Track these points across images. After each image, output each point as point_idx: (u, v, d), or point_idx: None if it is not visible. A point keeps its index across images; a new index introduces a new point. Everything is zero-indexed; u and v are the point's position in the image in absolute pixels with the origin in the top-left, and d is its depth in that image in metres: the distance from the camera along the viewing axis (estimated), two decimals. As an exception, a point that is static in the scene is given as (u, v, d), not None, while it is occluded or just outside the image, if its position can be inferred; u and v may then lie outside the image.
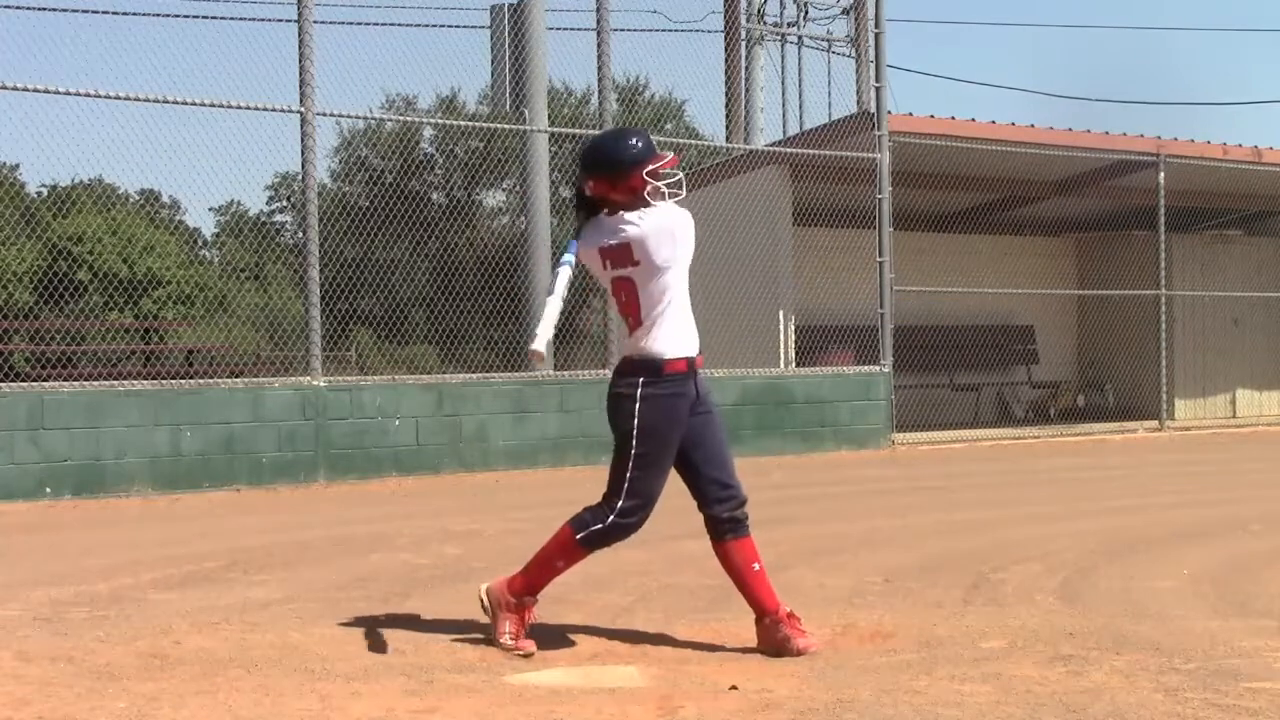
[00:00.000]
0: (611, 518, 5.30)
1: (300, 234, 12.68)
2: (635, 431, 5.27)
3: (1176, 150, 18.27)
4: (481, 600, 5.49)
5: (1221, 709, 4.44)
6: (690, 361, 5.34)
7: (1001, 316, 19.81)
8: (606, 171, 5.40)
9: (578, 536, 5.34)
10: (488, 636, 5.41)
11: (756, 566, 5.44)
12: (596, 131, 13.66)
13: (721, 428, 5.49)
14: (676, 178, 5.45)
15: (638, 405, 5.26)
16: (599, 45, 13.85)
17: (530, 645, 5.32)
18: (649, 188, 5.37)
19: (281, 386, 12.18)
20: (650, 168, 5.39)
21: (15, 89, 11.09)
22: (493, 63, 15.24)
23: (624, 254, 5.31)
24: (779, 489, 11.84)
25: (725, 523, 5.41)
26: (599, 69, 13.90)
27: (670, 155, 5.50)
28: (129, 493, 11.11)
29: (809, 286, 16.76)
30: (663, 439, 5.29)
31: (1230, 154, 18.73)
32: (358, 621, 5.88)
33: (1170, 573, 7.11)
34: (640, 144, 5.44)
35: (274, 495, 11.44)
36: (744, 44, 20.88)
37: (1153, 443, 17.45)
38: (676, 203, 5.44)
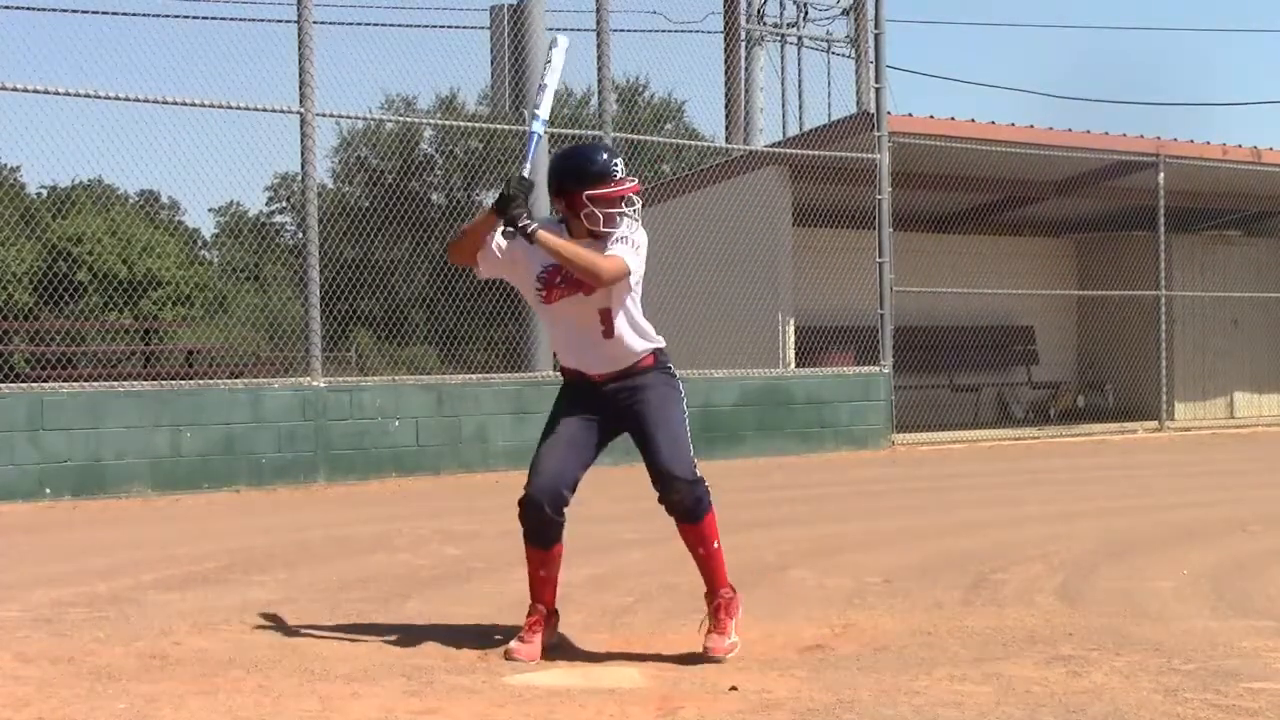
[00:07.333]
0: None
1: (300, 234, 12.69)
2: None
3: (1176, 151, 18.27)
4: None
5: (1221, 709, 4.44)
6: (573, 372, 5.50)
7: (1001, 317, 19.80)
8: (555, 181, 5.04)
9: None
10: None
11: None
12: (598, 132, 13.70)
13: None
14: (618, 212, 4.96)
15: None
16: (599, 45, 13.84)
17: (517, 653, 5.16)
18: (586, 211, 4.97)
19: (281, 387, 12.18)
20: (592, 192, 4.95)
21: (15, 89, 11.09)
22: (492, 63, 15.23)
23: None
24: (779, 489, 11.85)
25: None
26: (599, 69, 13.90)
27: (629, 184, 5.01)
28: (129, 493, 11.10)
29: (809, 287, 16.75)
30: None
31: (1230, 154, 18.73)
32: (358, 622, 5.88)
33: (1170, 573, 7.11)
34: (597, 163, 5.02)
35: (274, 496, 11.44)
36: (744, 44, 20.87)
37: (1152, 443, 17.45)
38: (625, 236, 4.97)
